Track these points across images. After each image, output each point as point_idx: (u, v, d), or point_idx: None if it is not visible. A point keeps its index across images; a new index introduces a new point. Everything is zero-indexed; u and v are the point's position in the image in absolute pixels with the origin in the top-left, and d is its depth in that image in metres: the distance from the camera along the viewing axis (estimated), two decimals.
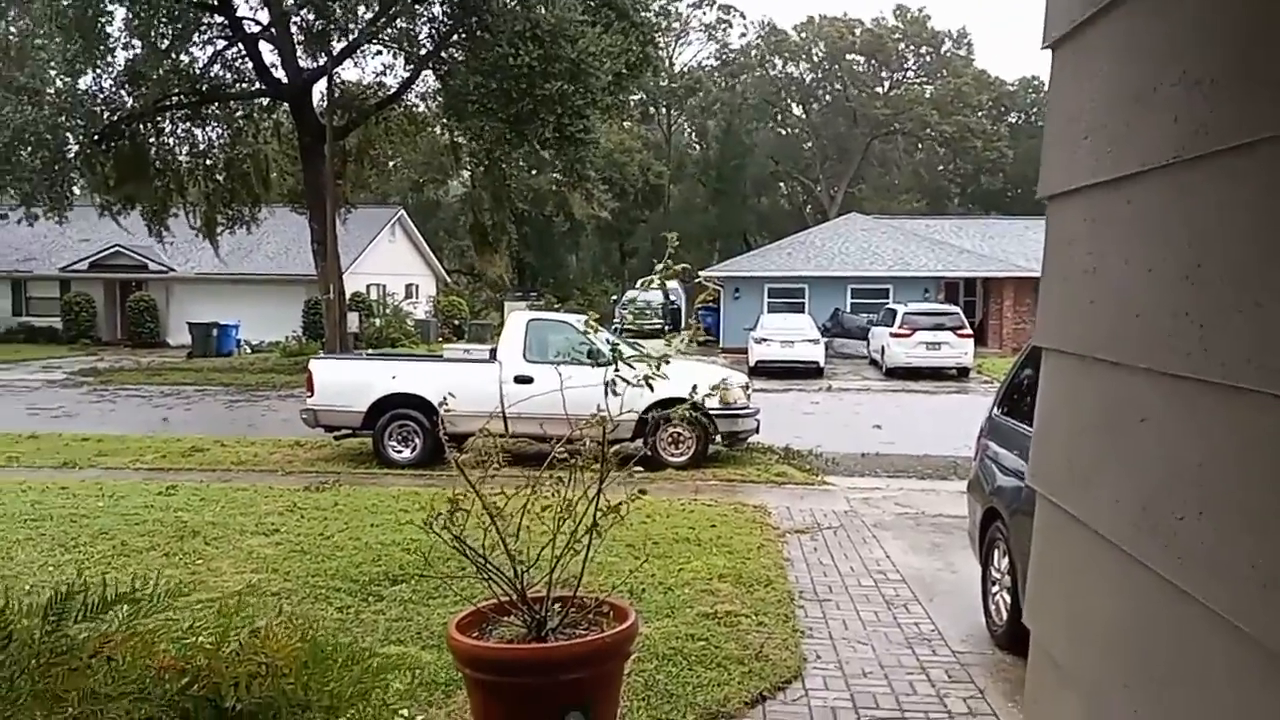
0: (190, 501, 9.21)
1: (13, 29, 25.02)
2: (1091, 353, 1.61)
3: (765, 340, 26.02)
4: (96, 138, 24.81)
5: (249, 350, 32.36)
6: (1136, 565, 1.40)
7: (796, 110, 71.75)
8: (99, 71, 24.11)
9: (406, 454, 12.00)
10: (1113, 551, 1.48)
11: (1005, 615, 5.96)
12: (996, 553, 6.23)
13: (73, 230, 35.06)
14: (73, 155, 24.75)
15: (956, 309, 27.96)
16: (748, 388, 12.58)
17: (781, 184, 73.85)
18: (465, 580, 4.97)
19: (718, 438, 12.31)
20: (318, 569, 6.94)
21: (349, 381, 12.54)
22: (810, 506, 9.78)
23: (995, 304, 34.65)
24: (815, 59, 67.86)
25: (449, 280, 45.53)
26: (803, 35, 67.77)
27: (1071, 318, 1.72)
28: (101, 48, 23.42)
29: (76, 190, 27.60)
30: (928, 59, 69.46)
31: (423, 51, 25.57)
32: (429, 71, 26.36)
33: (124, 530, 7.89)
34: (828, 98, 69.17)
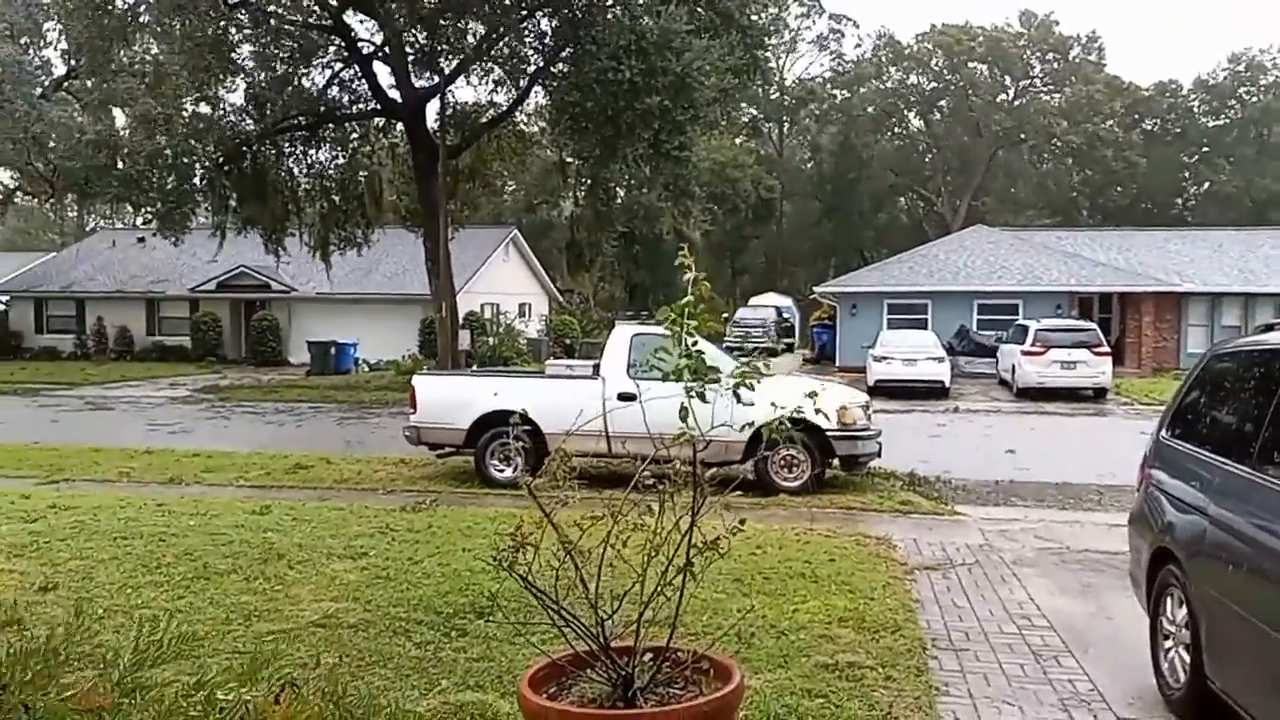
0: (282, 521, 8.90)
1: (148, 58, 25.97)
2: None
3: (886, 358, 24.89)
4: (220, 161, 25.55)
5: (366, 368, 32.82)
6: None
7: (916, 121, 69.84)
8: (224, 96, 24.85)
9: (508, 472, 11.54)
10: None
11: (1183, 676, 5.02)
12: (1170, 601, 5.28)
13: (202, 252, 36.39)
14: (198, 178, 25.53)
15: (1093, 325, 26.27)
16: (868, 407, 11.69)
17: (901, 198, 71.96)
18: (543, 629, 4.35)
19: (835, 461, 11.46)
20: (401, 598, 6.46)
21: (451, 398, 12.20)
22: (940, 539, 8.87)
23: (1133, 320, 32.57)
24: (935, 68, 65.88)
25: (561, 299, 45.58)
26: (921, 44, 65.94)
27: None
28: (226, 72, 24.13)
29: (201, 213, 28.46)
30: (1055, 65, 66.70)
31: (532, 69, 25.50)
32: (539, 88, 26.28)
33: (210, 551, 7.59)
34: (949, 108, 67.06)
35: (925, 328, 29.68)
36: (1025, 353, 24.24)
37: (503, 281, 38.87)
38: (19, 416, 20.76)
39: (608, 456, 11.13)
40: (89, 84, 27.32)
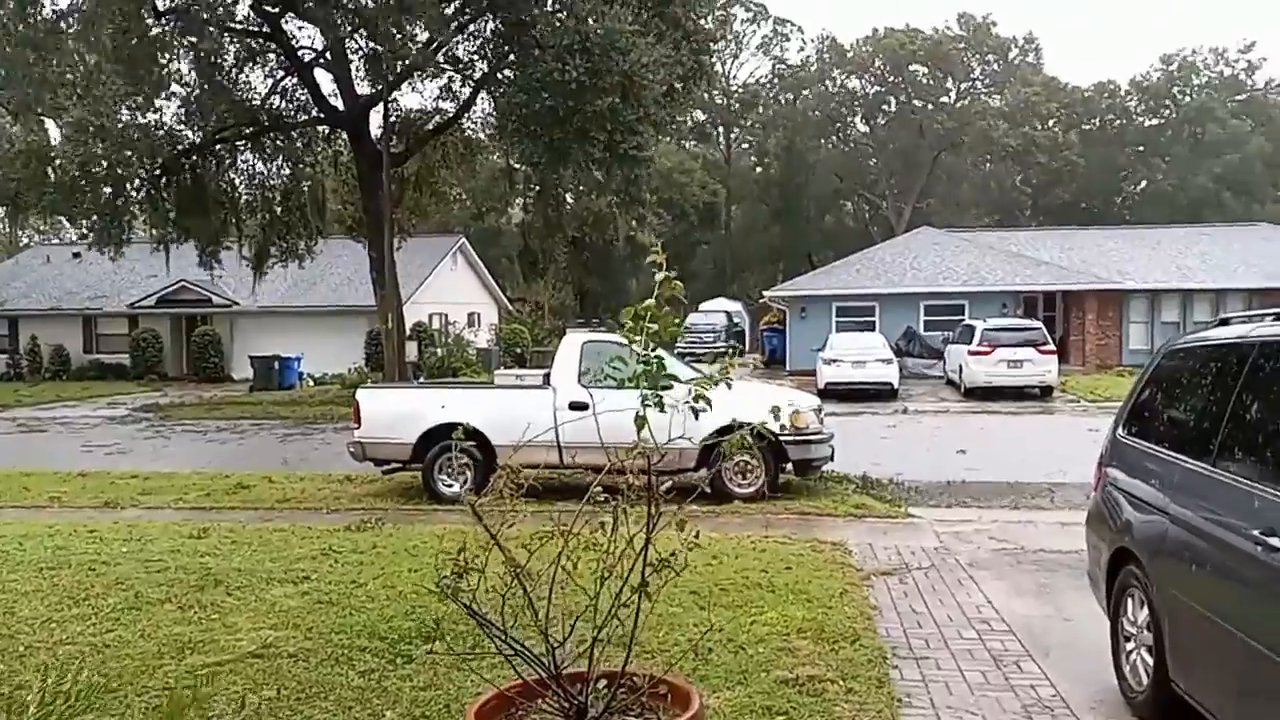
0: (220, 545, 8.56)
1: (80, 66, 25.24)
2: None
3: (835, 361, 24.96)
4: (158, 172, 24.88)
5: (311, 383, 32.19)
6: None
7: (860, 125, 70.52)
8: (159, 105, 24.21)
9: (457, 488, 11.25)
10: None
11: (1146, 679, 4.95)
12: (1130, 602, 5.21)
13: (141, 267, 35.52)
14: (135, 189, 24.83)
15: (1038, 324, 26.63)
16: (819, 410, 11.61)
17: (846, 201, 72.64)
18: (492, 654, 4.14)
19: (788, 466, 11.36)
20: (344, 624, 6.19)
21: (397, 411, 11.90)
22: (895, 543, 8.79)
23: (1076, 318, 33.09)
24: (877, 71, 66.60)
25: (511, 308, 45.21)
26: (863, 48, 66.65)
27: None
28: (160, 81, 23.50)
29: (139, 226, 27.73)
30: (995, 67, 67.85)
31: (478, 75, 25.21)
32: (485, 95, 25.98)
33: (142, 580, 7.24)
34: (892, 111, 67.82)
35: (873, 330, 29.84)
36: (972, 353, 24.45)
37: (451, 291, 38.39)
38: None
39: (560, 468, 10.90)
40: (16, 95, 26.49)
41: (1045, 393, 24.35)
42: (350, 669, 5.41)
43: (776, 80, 69.76)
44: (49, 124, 25.41)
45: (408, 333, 28.74)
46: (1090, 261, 34.59)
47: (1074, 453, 12.35)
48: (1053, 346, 24.93)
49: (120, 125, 23.42)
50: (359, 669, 5.41)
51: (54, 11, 23.50)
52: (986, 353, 24.12)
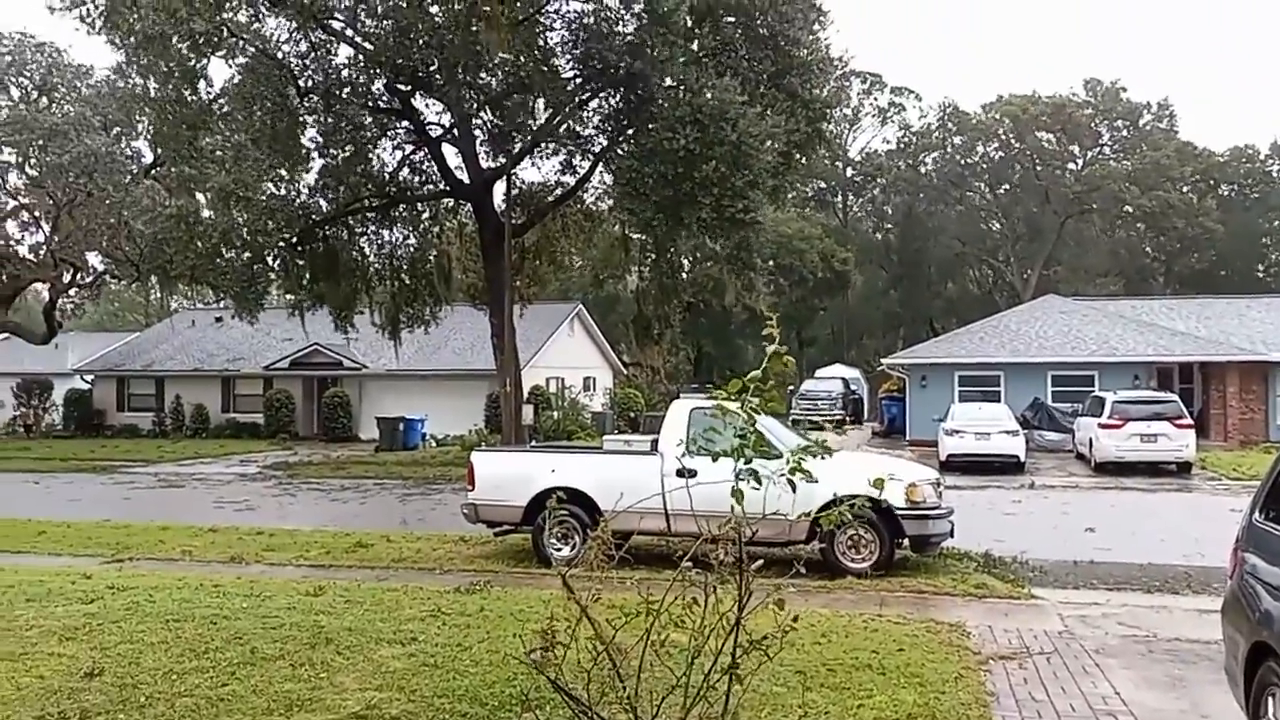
0: (334, 604, 8.77)
1: (227, 145, 27.03)
2: None
3: (958, 432, 24.21)
4: (294, 240, 26.24)
5: (434, 443, 33.01)
6: None
7: (983, 190, 69.29)
8: (297, 178, 25.62)
9: (566, 551, 11.29)
10: None
11: None
12: (1272, 702, 4.82)
13: (278, 331, 37.35)
14: (271, 257, 26.22)
15: (1173, 397, 25.30)
16: (939, 484, 11.24)
17: (969, 268, 71.12)
18: None
19: (905, 542, 11.00)
20: (447, 687, 6.24)
21: (509, 474, 12.05)
22: (1016, 626, 8.38)
23: (1217, 391, 31.36)
24: (1001, 137, 65.47)
25: (626, 372, 45.60)
26: (988, 114, 65.72)
27: None
28: (298, 156, 24.93)
29: (275, 292, 29.18)
30: (1124, 132, 65.91)
31: (597, 148, 25.90)
32: (602, 167, 26.65)
33: (259, 635, 7.47)
34: (1016, 177, 66.42)
35: (998, 400, 28.94)
36: (1103, 425, 23.39)
37: (567, 356, 39.05)
38: (94, 494, 21.19)
39: (668, 535, 10.84)
40: (173, 170, 28.47)
41: (1182, 469, 23.05)
42: None
43: (897, 147, 69.38)
44: (199, 197, 27.15)
45: (525, 396, 29.27)
46: (1230, 331, 32.86)
47: (1213, 534, 11.60)
48: (1189, 420, 23.64)
49: (263, 196, 24.92)
50: None
51: (208, 92, 25.30)
52: (1118, 426, 23.04)
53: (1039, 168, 65.02)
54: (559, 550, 11.42)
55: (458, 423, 33.20)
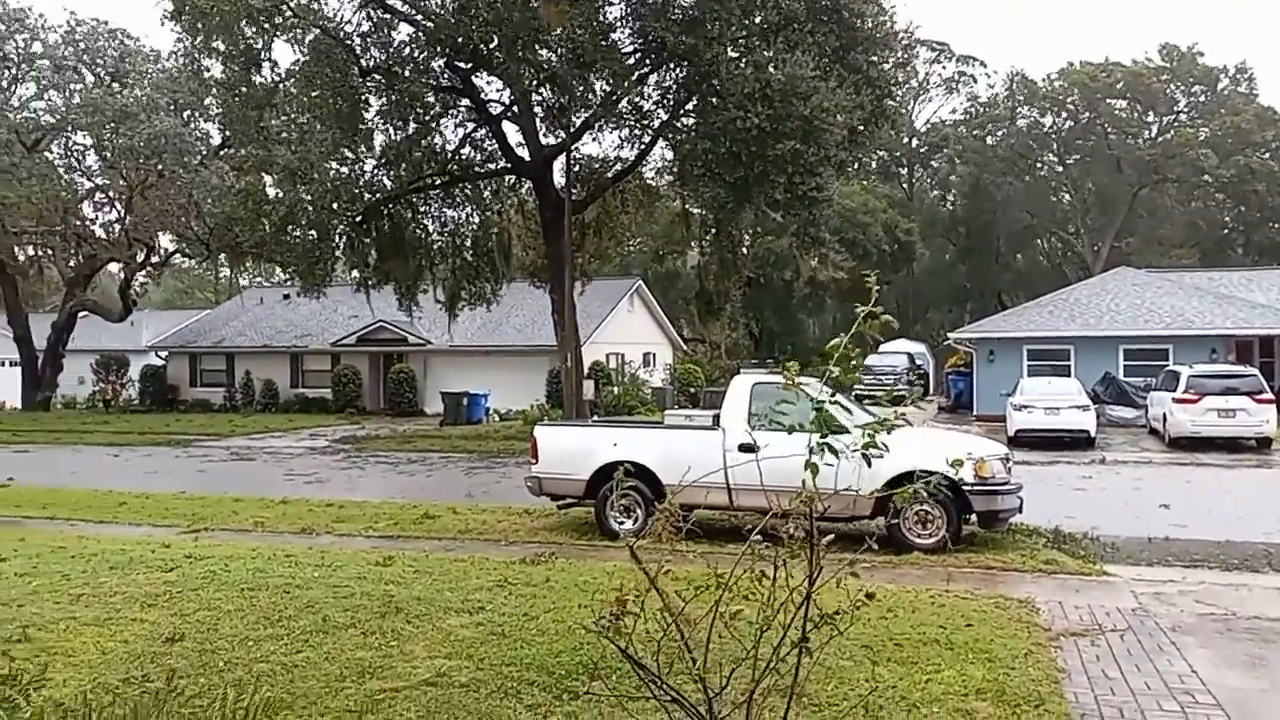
0: (404, 574, 8.94)
1: (292, 126, 27.45)
2: None
3: (1026, 407, 23.77)
4: (359, 218, 26.59)
5: (497, 418, 33.39)
6: None
7: (1052, 160, 67.55)
8: (361, 157, 25.92)
9: (629, 525, 11.36)
10: None
11: None
12: None
13: (344, 308, 38.03)
14: (337, 235, 26.61)
15: (1253, 371, 24.51)
16: (1008, 460, 11.05)
17: (1038, 240, 69.53)
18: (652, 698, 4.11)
19: (973, 518, 10.85)
20: (514, 656, 6.32)
21: (571, 448, 12.16)
22: (1088, 602, 8.22)
23: None
24: (1071, 107, 63.67)
25: (685, 348, 45.56)
26: (1057, 83, 63.95)
27: None
28: (362, 135, 25.21)
29: (340, 270, 29.64)
30: (1201, 98, 63.64)
31: (657, 123, 25.76)
32: (663, 142, 26.51)
33: (331, 604, 7.64)
34: (1088, 146, 64.59)
35: (1068, 374, 28.33)
36: (1178, 400, 22.77)
37: (627, 331, 39.12)
38: (171, 466, 21.84)
39: (730, 510, 10.84)
40: (240, 151, 29.02)
41: (1262, 445, 22.35)
42: (518, 702, 5.51)
43: (964, 117, 67.92)
44: (265, 178, 27.65)
45: (585, 372, 29.40)
46: None
47: None
48: (1270, 395, 22.88)
49: (327, 175, 25.27)
50: (526, 703, 5.50)
51: (274, 74, 25.67)
52: (1194, 401, 22.41)
53: (1111, 136, 63.16)
54: (621, 524, 11.48)
55: (519, 398, 33.52)
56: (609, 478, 11.38)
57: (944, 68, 67.55)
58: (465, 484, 18.30)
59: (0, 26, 38.85)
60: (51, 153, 39.50)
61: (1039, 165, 67.69)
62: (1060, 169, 67.47)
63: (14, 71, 40.02)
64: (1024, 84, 65.41)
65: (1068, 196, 67.46)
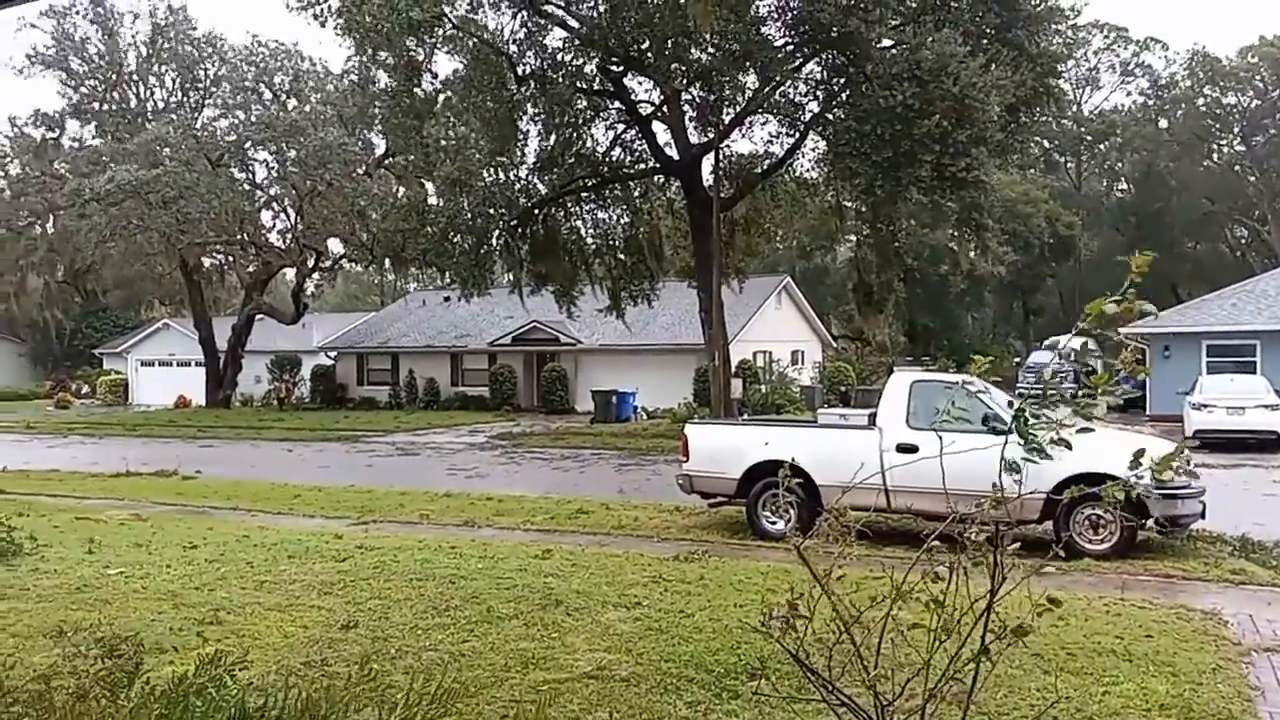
0: (561, 567, 9.12)
1: (452, 134, 28.45)
2: None
3: (1207, 406, 22.34)
4: (514, 223, 27.33)
5: (645, 416, 33.68)
6: None
7: (1235, 143, 62.99)
8: (515, 162, 26.65)
9: (781, 525, 11.24)
10: None
11: None
12: None
13: (500, 309, 39.17)
14: (495, 240, 27.44)
15: None
16: (1189, 462, 10.38)
17: (1220, 228, 65.04)
18: (816, 700, 4.04)
19: (1149, 523, 10.24)
20: (672, 652, 6.35)
21: (722, 446, 12.12)
22: None
23: None
24: (1259, 85, 59.20)
25: (835, 345, 44.79)
26: (1244, 59, 59.54)
27: None
28: (518, 141, 25.91)
29: (497, 271, 30.53)
30: None
31: (807, 116, 25.44)
32: (814, 134, 26.15)
33: (494, 595, 7.86)
34: (1277, 124, 59.92)
35: (1253, 371, 26.43)
36: None
37: (775, 329, 38.77)
38: (341, 461, 22.97)
39: (886, 512, 10.58)
40: (401, 160, 30.29)
41: None
42: (678, 698, 5.52)
43: (1141, 99, 64.11)
44: (428, 185, 28.84)
45: (733, 370, 29.31)
46: None
47: None
48: None
49: (485, 182, 26.07)
50: (686, 699, 5.51)
51: (433, 84, 26.66)
52: None
53: None
54: (773, 523, 11.38)
55: (667, 396, 33.69)
56: (760, 476, 11.31)
57: (1119, 52, 63.93)
58: (616, 480, 18.53)
59: (194, 52, 41.78)
60: (231, 167, 42.24)
61: (1219, 148, 63.28)
62: (1244, 151, 62.89)
63: (201, 94, 43.03)
64: (1206, 62, 61.23)
65: (1253, 180, 62.85)
